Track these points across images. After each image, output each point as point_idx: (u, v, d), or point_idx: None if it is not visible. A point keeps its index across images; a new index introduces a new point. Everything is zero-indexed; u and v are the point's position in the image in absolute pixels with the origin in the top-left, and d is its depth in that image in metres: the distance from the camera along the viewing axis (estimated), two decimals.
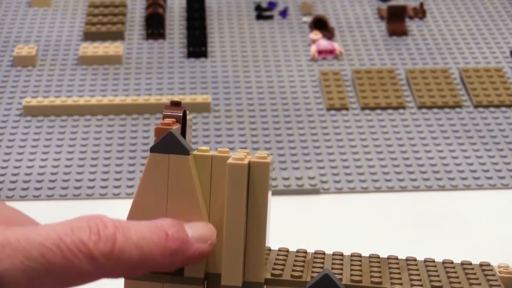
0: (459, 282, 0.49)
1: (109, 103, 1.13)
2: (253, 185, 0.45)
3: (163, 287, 0.45)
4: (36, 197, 0.98)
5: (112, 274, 0.40)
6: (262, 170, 0.45)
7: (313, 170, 1.03)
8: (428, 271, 0.51)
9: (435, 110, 1.15)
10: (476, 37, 1.32)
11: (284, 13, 1.37)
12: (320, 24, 1.32)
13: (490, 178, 1.02)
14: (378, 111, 1.15)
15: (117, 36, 1.31)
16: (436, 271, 0.51)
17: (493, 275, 0.52)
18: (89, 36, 1.31)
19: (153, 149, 0.44)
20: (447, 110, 1.15)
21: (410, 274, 0.50)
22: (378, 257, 0.53)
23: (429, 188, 1.00)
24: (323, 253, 0.52)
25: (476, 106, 1.16)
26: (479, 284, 0.50)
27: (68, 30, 1.33)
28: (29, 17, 1.36)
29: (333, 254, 0.52)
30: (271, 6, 1.39)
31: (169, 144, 0.44)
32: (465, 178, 1.02)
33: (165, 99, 1.14)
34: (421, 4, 1.38)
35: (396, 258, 0.53)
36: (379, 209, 0.97)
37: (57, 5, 1.40)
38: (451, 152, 1.06)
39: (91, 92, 1.18)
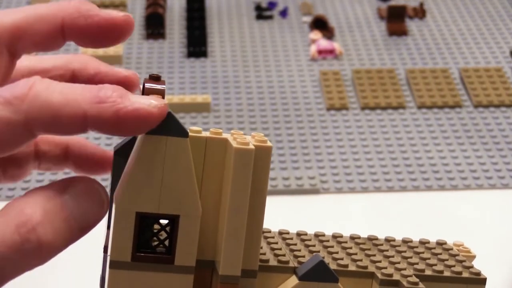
0: (435, 264, 0.50)
1: None
2: (255, 169, 0.43)
3: (151, 276, 0.42)
4: None
5: (32, 116, 0.38)
6: (264, 154, 0.43)
7: (313, 170, 1.03)
8: (398, 251, 0.52)
9: (435, 110, 1.15)
10: (476, 37, 1.32)
11: (284, 13, 1.37)
12: (320, 24, 1.32)
13: (490, 178, 1.02)
14: (378, 111, 1.15)
15: None
16: (405, 250, 0.52)
17: (457, 254, 0.53)
18: None
19: (150, 131, 0.41)
20: (447, 110, 1.15)
21: (384, 255, 0.50)
22: (342, 236, 0.53)
23: (429, 188, 1.00)
24: (288, 232, 0.52)
25: (476, 106, 1.16)
26: (453, 264, 0.51)
27: None
28: None
29: (298, 234, 0.52)
30: (271, 6, 1.39)
31: (167, 125, 0.41)
32: (465, 178, 1.02)
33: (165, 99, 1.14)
34: (421, 4, 1.38)
35: (359, 237, 0.53)
36: (379, 209, 0.97)
37: None
38: (451, 152, 1.06)
39: None
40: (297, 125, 1.12)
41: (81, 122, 0.39)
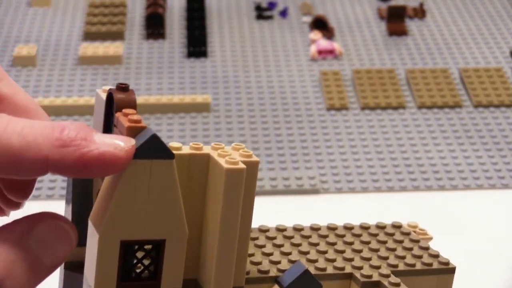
0: (405, 256, 0.50)
1: None
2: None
3: None
4: (36, 197, 0.98)
5: None
6: (252, 170, 0.42)
7: (313, 170, 1.03)
8: (363, 242, 0.52)
9: (435, 110, 1.15)
10: (476, 37, 1.32)
11: (284, 13, 1.37)
12: (320, 24, 1.32)
13: (490, 178, 1.02)
14: (378, 111, 1.15)
15: (117, 36, 1.31)
16: (370, 241, 0.52)
17: (418, 240, 0.53)
18: (89, 36, 1.31)
19: (135, 155, 0.38)
20: (447, 110, 1.15)
21: (353, 250, 0.51)
22: (303, 228, 0.53)
23: (429, 188, 1.00)
24: (251, 230, 0.51)
25: (476, 106, 1.16)
26: (421, 254, 0.51)
27: (68, 30, 1.33)
28: (29, 17, 1.36)
29: (260, 230, 0.51)
30: (271, 6, 1.39)
31: (151, 148, 0.38)
32: (465, 178, 1.02)
33: (165, 99, 1.14)
34: (421, 4, 1.38)
35: (320, 228, 0.53)
36: (379, 209, 0.97)
37: (57, 5, 1.40)
38: (451, 152, 1.06)
39: (91, 92, 1.18)
40: (297, 125, 1.12)
41: (42, 167, 0.36)
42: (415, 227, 0.57)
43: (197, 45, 1.27)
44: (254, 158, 0.42)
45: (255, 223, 0.53)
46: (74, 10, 1.38)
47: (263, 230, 0.52)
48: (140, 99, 1.14)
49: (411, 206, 0.98)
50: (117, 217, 0.39)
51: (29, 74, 1.22)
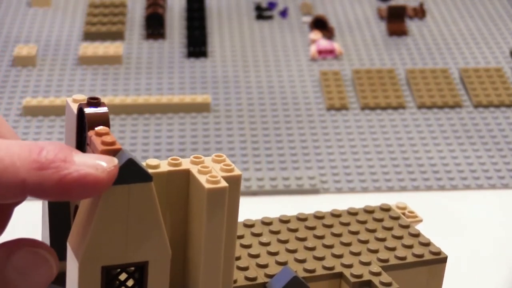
0: (395, 247, 0.50)
1: (109, 103, 1.14)
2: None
3: None
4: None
5: None
6: (234, 184, 0.40)
7: (313, 170, 1.03)
8: (351, 232, 0.51)
9: (435, 110, 1.15)
10: (475, 37, 1.32)
11: (284, 13, 1.37)
12: (320, 24, 1.32)
13: (490, 178, 1.02)
14: (378, 111, 1.15)
15: (117, 36, 1.31)
16: (358, 231, 0.51)
17: (408, 225, 0.53)
18: (89, 36, 1.31)
19: None
20: (446, 110, 1.15)
21: (342, 243, 0.50)
22: (289, 220, 0.52)
23: (429, 188, 1.00)
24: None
25: (475, 106, 1.16)
26: (411, 244, 0.51)
27: (68, 30, 1.33)
28: (29, 17, 1.36)
29: (245, 225, 0.51)
30: (271, 6, 1.39)
31: (128, 172, 0.36)
32: (465, 178, 1.02)
33: (165, 99, 1.14)
34: (421, 4, 1.38)
35: (307, 218, 0.52)
36: None
37: (57, 5, 1.40)
38: (451, 152, 1.06)
39: (91, 92, 1.18)
40: (297, 125, 1.12)
41: (19, 191, 0.34)
42: (404, 208, 0.56)
43: (197, 45, 1.27)
44: (236, 172, 0.41)
45: None
46: (74, 10, 1.38)
47: (248, 225, 0.51)
48: (140, 99, 1.14)
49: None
50: (96, 243, 0.37)
51: (29, 74, 1.22)
